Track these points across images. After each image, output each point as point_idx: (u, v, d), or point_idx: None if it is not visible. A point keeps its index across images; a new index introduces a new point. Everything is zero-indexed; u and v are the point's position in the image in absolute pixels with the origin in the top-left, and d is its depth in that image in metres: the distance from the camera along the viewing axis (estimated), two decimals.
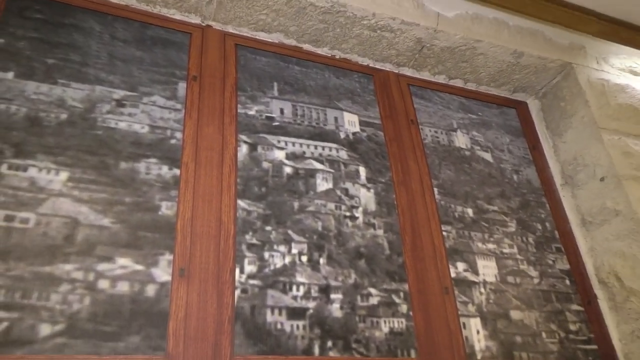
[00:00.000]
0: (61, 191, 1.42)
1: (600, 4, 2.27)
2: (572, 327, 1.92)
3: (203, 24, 1.96)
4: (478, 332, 1.75)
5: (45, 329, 1.24)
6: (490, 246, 1.97)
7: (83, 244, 1.37)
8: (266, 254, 1.58)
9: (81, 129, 1.54)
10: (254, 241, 1.59)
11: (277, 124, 1.86)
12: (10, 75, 1.54)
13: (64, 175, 1.44)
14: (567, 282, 2.03)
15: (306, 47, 2.12)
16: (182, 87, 1.77)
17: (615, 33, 2.39)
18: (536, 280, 1.97)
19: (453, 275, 1.82)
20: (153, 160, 1.58)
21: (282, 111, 1.90)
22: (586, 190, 2.20)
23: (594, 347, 1.91)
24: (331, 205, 1.76)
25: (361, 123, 2.03)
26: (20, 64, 1.57)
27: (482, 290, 1.84)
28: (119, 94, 1.66)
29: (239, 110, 1.82)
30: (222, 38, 1.96)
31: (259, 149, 1.77)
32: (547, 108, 2.47)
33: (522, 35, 2.30)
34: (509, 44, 2.25)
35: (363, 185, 1.86)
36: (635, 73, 2.52)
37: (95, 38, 1.73)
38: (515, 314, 1.84)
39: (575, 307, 1.98)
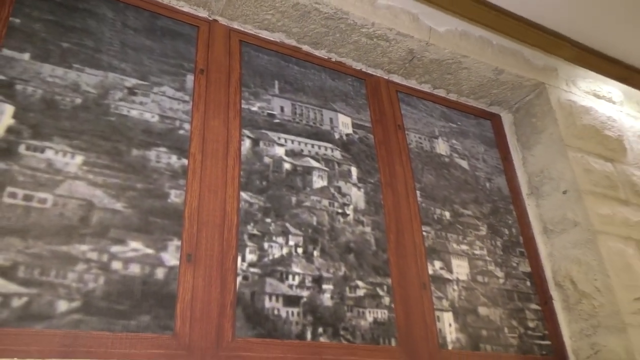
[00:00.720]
0: (77, 174, 1.47)
1: (576, 32, 2.48)
2: (530, 324, 2.13)
3: (210, 18, 2.02)
4: (450, 325, 1.92)
5: (62, 305, 1.31)
6: (464, 247, 2.15)
7: (97, 226, 1.44)
8: (266, 245, 1.69)
9: (95, 115, 1.59)
10: (255, 232, 1.69)
11: (277, 121, 1.96)
12: (26, 56, 1.56)
13: (79, 158, 1.50)
14: (528, 283, 2.25)
15: (305, 48, 2.21)
16: (190, 79, 1.84)
17: (584, 59, 2.61)
18: (502, 281, 2.17)
19: (430, 272, 1.99)
20: (163, 149, 1.65)
21: (282, 109, 2.00)
22: (549, 201, 2.42)
23: (548, 342, 2.13)
24: (325, 202, 1.89)
25: (354, 125, 2.16)
26: (36, 45, 1.60)
27: (455, 287, 2.02)
28: (130, 82, 1.71)
29: (242, 106, 1.90)
30: (227, 33, 2.03)
31: (261, 144, 1.87)
32: (519, 122, 2.68)
33: (504, 55, 2.48)
34: (492, 61, 2.43)
35: (354, 185, 1.99)
36: (598, 96, 2.76)
37: (108, 25, 1.77)
38: (482, 310, 2.03)
39: (533, 306, 2.19)
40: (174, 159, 1.66)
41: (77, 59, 1.65)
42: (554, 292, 2.27)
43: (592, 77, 2.75)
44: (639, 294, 2.09)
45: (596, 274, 2.14)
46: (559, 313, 2.22)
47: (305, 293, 1.68)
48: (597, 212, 2.26)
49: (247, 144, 1.84)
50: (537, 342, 2.10)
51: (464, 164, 2.43)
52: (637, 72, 2.75)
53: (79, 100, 1.59)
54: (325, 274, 1.75)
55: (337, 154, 2.03)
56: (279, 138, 1.92)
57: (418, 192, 2.16)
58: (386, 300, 1.83)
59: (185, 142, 1.71)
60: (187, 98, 1.80)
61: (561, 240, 2.32)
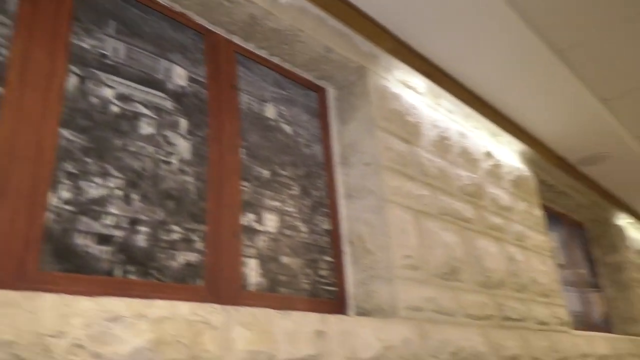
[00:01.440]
0: None
1: (396, 27, 2.87)
2: (323, 273, 2.51)
3: None
4: (254, 270, 2.18)
5: None
6: (277, 204, 2.41)
7: None
8: (83, 184, 1.71)
9: None
10: (73, 170, 1.70)
11: (109, 62, 1.94)
12: None
13: None
14: (327, 239, 2.62)
15: None
16: (12, 1, 1.72)
17: (400, 52, 3.03)
18: (305, 235, 2.50)
19: (244, 223, 2.21)
20: None
21: (116, 51, 1.98)
22: (355, 170, 2.81)
23: (335, 289, 2.54)
24: (151, 149, 1.95)
25: (189, 79, 2.23)
26: None
27: (264, 238, 2.28)
28: None
29: (72, 41, 1.84)
30: None
31: (88, 83, 1.84)
32: (341, 98, 3.02)
33: (335, 35, 2.76)
34: (324, 39, 2.68)
35: (182, 136, 2.09)
36: (407, 86, 3.23)
37: None
38: (285, 259, 2.34)
39: (327, 258, 2.58)
40: None
41: None
42: (346, 248, 2.68)
43: (404, 68, 3.19)
44: (407, 253, 2.61)
45: (380, 235, 2.60)
46: (347, 265, 2.65)
47: (119, 233, 1.76)
48: (389, 185, 2.71)
49: (73, 80, 1.80)
50: (326, 287, 2.49)
51: (288, 129, 2.67)
52: (438, 70, 3.29)
53: None
54: (142, 217, 1.85)
55: (169, 104, 2.10)
56: (109, 79, 1.91)
57: (243, 150, 2.34)
58: (199, 245, 2.00)
59: (1, 69, 1.62)
60: (8, 22, 1.68)
61: (359, 205, 2.74)
